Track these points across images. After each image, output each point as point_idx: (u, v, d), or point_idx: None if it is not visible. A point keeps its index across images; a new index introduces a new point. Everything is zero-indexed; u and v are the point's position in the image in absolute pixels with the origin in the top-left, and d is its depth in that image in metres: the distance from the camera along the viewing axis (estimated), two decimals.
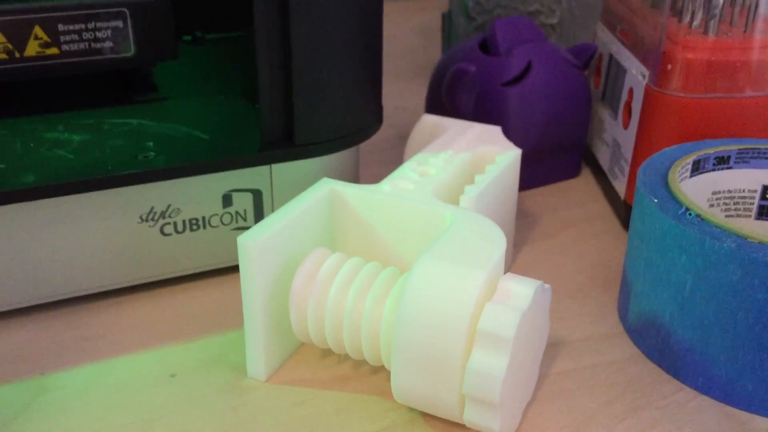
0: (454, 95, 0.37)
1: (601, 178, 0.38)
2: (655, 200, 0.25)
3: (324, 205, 0.26)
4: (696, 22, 0.31)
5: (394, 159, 0.41)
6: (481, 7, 0.50)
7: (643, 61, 0.33)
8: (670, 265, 0.24)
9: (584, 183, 0.39)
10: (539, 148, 0.37)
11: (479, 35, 0.39)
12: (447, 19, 0.51)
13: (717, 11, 0.31)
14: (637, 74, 0.33)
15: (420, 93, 0.51)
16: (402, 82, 0.54)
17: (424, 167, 0.28)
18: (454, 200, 0.27)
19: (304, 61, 0.27)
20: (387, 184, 0.26)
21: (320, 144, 0.29)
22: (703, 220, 0.24)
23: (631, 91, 0.34)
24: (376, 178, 0.38)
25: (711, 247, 0.23)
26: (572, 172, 0.39)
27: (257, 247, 0.23)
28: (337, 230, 0.26)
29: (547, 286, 0.22)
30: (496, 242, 0.22)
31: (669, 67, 0.31)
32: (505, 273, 0.30)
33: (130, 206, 0.27)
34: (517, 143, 0.36)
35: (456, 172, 0.28)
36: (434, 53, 0.59)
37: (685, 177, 0.28)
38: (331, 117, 0.29)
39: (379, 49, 0.30)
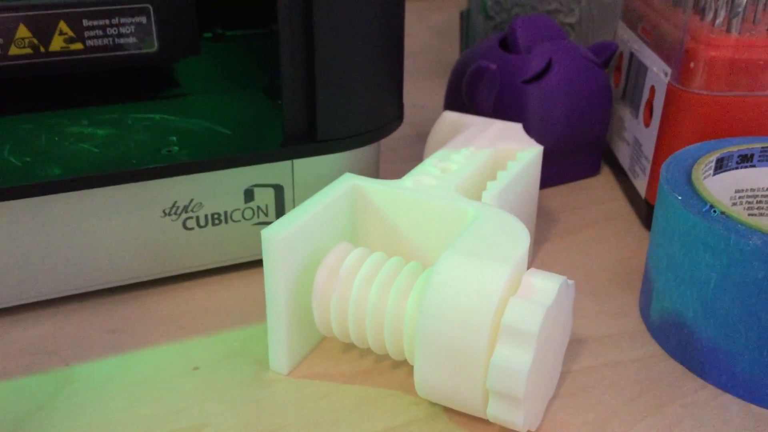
0: (474, 92, 0.37)
1: (621, 176, 0.38)
2: (679, 197, 0.25)
3: (346, 200, 0.26)
4: (719, 20, 0.31)
5: (411, 156, 0.41)
6: (499, 6, 0.50)
7: (666, 59, 0.33)
8: (694, 263, 0.24)
9: (604, 181, 0.39)
10: (559, 146, 0.37)
11: (499, 33, 0.39)
12: (465, 17, 0.51)
13: (740, 9, 0.31)
14: (659, 72, 0.33)
15: (437, 92, 0.51)
16: (419, 81, 0.54)
17: (445, 163, 0.28)
18: (476, 196, 0.27)
19: (327, 57, 0.27)
20: (409, 180, 0.26)
21: (342, 140, 0.29)
22: (727, 217, 0.24)
23: (652, 89, 0.34)
24: (394, 174, 0.38)
25: (736, 244, 0.23)
26: (592, 171, 0.39)
27: (281, 240, 0.23)
28: (359, 225, 0.27)
29: (570, 281, 0.22)
30: (519, 237, 0.22)
31: (692, 65, 0.31)
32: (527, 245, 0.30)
33: (153, 200, 0.28)
34: (537, 141, 0.36)
35: (478, 169, 0.28)
36: (451, 52, 0.59)
37: (709, 175, 0.28)
38: (353, 113, 0.29)
39: (400, 46, 0.30)
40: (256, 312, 0.28)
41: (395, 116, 0.31)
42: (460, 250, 0.22)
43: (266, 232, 0.23)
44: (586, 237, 0.33)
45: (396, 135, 0.44)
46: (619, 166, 0.38)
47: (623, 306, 0.28)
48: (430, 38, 0.63)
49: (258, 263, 0.30)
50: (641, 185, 0.35)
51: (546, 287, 0.21)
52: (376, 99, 0.29)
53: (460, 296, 0.21)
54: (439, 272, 0.21)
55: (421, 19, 0.68)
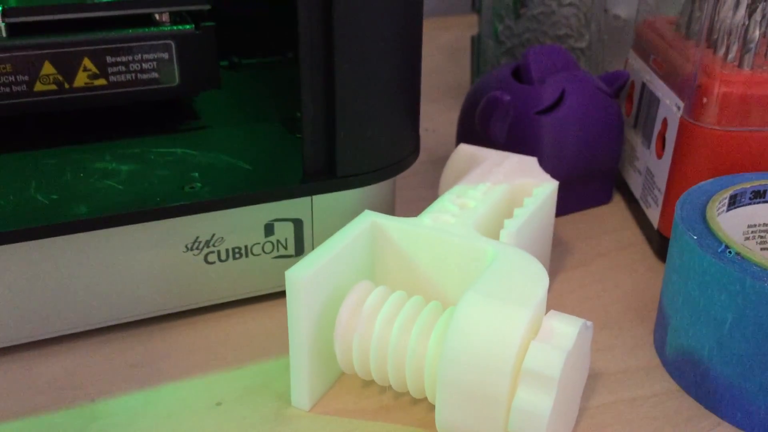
0: (487, 123, 0.37)
1: (633, 204, 0.38)
2: (695, 237, 0.25)
3: (366, 238, 0.26)
4: (731, 55, 0.32)
5: (423, 183, 0.42)
6: (510, 31, 0.50)
7: (678, 92, 0.33)
8: (709, 302, 0.24)
9: (616, 210, 0.39)
10: (572, 175, 0.37)
11: (511, 63, 0.40)
12: (476, 42, 0.52)
13: (753, 45, 0.31)
14: (671, 105, 0.34)
15: (448, 115, 0.52)
16: (430, 104, 0.54)
17: (463, 200, 0.28)
18: (494, 234, 0.27)
19: (347, 93, 0.28)
20: (427, 218, 0.27)
21: (361, 175, 0.29)
22: (743, 258, 0.24)
23: (665, 121, 0.34)
24: (407, 202, 0.39)
25: (752, 286, 0.23)
26: (604, 199, 0.40)
27: (304, 281, 0.23)
28: (378, 263, 0.27)
29: (589, 323, 0.23)
30: (539, 279, 0.23)
31: (705, 100, 0.31)
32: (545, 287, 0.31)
33: (175, 236, 0.28)
34: (550, 171, 0.36)
35: (495, 205, 0.28)
36: (462, 74, 0.59)
37: (722, 211, 0.28)
38: (372, 149, 0.29)
39: (418, 80, 0.30)
40: (277, 345, 0.28)
41: (413, 150, 0.31)
42: (481, 291, 0.22)
43: (290, 273, 0.23)
44: (600, 267, 0.34)
45: None
46: (630, 194, 0.39)
47: (638, 340, 0.29)
48: (439, 59, 0.64)
49: (278, 295, 0.31)
50: (654, 216, 0.35)
51: (566, 331, 0.21)
52: (394, 133, 0.30)
53: (482, 339, 0.21)
54: (461, 314, 0.22)
55: (431, 38, 0.69)
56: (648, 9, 0.42)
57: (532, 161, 0.32)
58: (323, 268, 0.24)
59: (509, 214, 0.28)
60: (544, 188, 0.29)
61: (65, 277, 0.27)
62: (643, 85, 0.38)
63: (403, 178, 0.42)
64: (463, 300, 0.22)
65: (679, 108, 0.33)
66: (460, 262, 0.25)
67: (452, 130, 0.49)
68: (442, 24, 0.72)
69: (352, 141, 0.29)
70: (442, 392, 0.22)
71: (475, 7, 0.51)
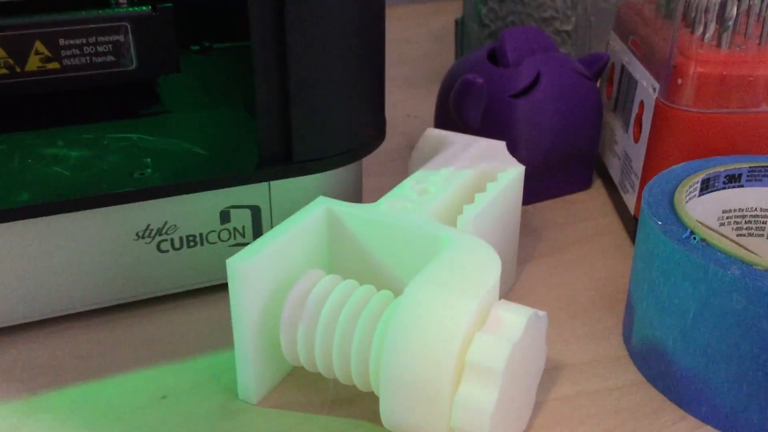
0: (461, 107, 0.36)
1: (613, 191, 0.37)
2: (659, 222, 0.24)
3: (320, 225, 0.25)
4: (709, 35, 0.30)
5: (402, 170, 0.41)
6: (494, 14, 0.49)
7: (654, 73, 0.32)
8: (673, 291, 0.23)
9: (595, 196, 0.38)
10: (549, 160, 0.36)
11: (488, 45, 0.39)
12: (460, 25, 0.51)
13: (731, 23, 0.30)
14: (647, 87, 0.32)
15: (432, 101, 0.51)
16: (415, 89, 0.53)
17: (423, 185, 0.27)
18: (453, 220, 0.26)
19: (301, 75, 0.27)
20: (385, 204, 0.26)
21: (319, 160, 0.28)
22: (708, 244, 0.23)
23: (642, 104, 0.33)
24: (382, 188, 0.37)
25: (715, 274, 0.22)
26: (584, 185, 0.39)
27: (247, 269, 0.22)
28: (333, 250, 0.26)
29: (542, 313, 0.22)
30: (490, 267, 0.22)
31: (680, 81, 0.30)
32: (508, 291, 0.29)
33: (126, 223, 0.27)
34: (526, 156, 0.35)
35: (456, 191, 0.27)
36: (449, 59, 0.58)
37: (694, 196, 0.27)
38: (330, 133, 0.28)
39: (381, 62, 0.29)
40: (229, 337, 0.27)
41: (376, 135, 0.30)
42: (427, 280, 0.21)
43: (232, 261, 0.22)
44: (573, 254, 0.33)
45: (388, 146, 0.43)
46: (610, 179, 0.38)
47: (605, 330, 0.28)
48: (429, 44, 0.63)
49: None
50: (631, 201, 0.34)
51: (514, 321, 0.20)
52: (354, 118, 0.29)
53: (426, 330, 0.20)
54: (405, 304, 0.21)
55: (421, 24, 0.68)
56: None
57: (500, 146, 0.31)
58: (269, 256, 0.23)
59: (471, 200, 0.27)
60: (509, 173, 0.28)
61: (10, 267, 0.26)
62: (623, 67, 0.37)
63: (381, 165, 0.41)
64: (408, 289, 0.21)
65: (655, 90, 0.32)
66: (414, 250, 0.24)
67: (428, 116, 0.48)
68: (432, 9, 0.71)
69: (308, 125, 0.27)
70: (385, 386, 0.21)
71: None
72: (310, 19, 0.26)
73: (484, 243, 0.23)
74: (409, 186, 0.27)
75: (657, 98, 0.31)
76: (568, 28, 0.50)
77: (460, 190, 0.27)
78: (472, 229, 0.25)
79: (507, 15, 0.49)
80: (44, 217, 0.26)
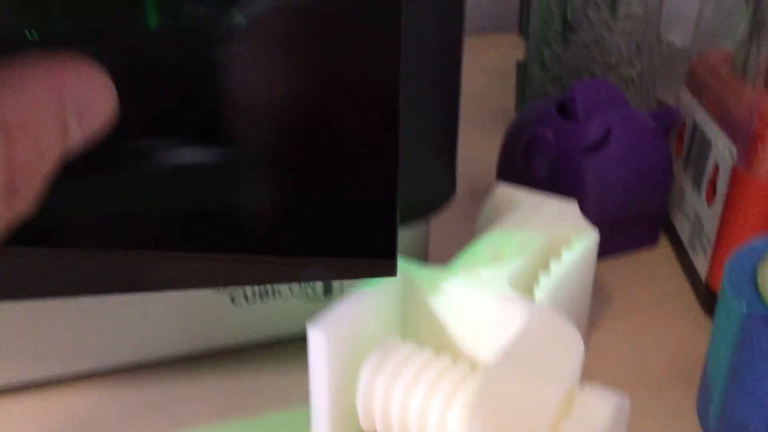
0: (529, 160, 0.36)
1: (680, 249, 0.37)
2: (743, 304, 0.24)
3: (395, 287, 0.25)
4: None
5: (460, 216, 0.40)
6: (557, 58, 0.49)
7: (732, 137, 0.31)
8: (758, 379, 0.23)
9: (661, 254, 0.37)
10: (616, 217, 0.36)
11: (556, 96, 0.38)
12: (522, 68, 0.50)
13: None
14: (723, 151, 0.32)
15: (491, 141, 0.50)
16: (471, 128, 0.53)
17: (497, 249, 0.27)
18: (529, 288, 0.26)
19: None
20: (460, 268, 0.26)
21: None
22: None
23: (716, 166, 0.33)
24: (442, 237, 0.38)
25: None
26: (649, 241, 0.38)
27: (327, 336, 0.22)
28: (407, 313, 0.26)
29: (626, 399, 0.21)
30: (574, 350, 0.21)
31: (761, 149, 0.29)
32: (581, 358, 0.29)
33: None
34: (593, 212, 0.35)
35: (531, 257, 0.27)
36: (507, 98, 0.58)
37: None
38: (404, 191, 0.28)
39: (456, 114, 0.29)
40: (300, 392, 0.27)
41: (448, 191, 0.30)
42: (509, 362, 0.21)
43: (312, 328, 0.23)
44: (642, 319, 0.32)
45: None
46: (677, 237, 0.37)
47: (679, 405, 0.27)
48: (483, 80, 0.63)
49: (305, 339, 0.30)
50: (701, 266, 0.33)
51: (600, 408, 0.20)
52: (428, 174, 0.29)
53: (508, 418, 0.20)
54: (485, 388, 0.20)
55: (474, 58, 0.67)
56: (704, 39, 0.40)
57: (572, 207, 0.30)
58: (348, 322, 0.23)
59: (546, 267, 0.27)
60: (584, 240, 0.28)
61: (87, 315, 0.27)
62: (695, 125, 0.36)
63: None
64: (488, 371, 0.21)
65: (732, 155, 0.31)
66: (491, 321, 0.24)
67: (494, 157, 0.48)
68: (488, 42, 0.71)
69: None
70: None
71: (522, 32, 0.50)
72: None
73: (567, 322, 0.23)
74: (483, 250, 0.27)
75: (735, 164, 0.31)
76: (633, 74, 0.49)
77: (535, 256, 0.27)
78: (549, 301, 0.25)
79: (571, 59, 0.49)
80: None
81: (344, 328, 0.23)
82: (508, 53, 0.66)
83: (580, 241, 0.28)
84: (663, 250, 0.38)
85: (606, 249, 0.37)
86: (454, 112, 0.29)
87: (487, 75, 0.64)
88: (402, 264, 0.26)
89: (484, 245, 0.27)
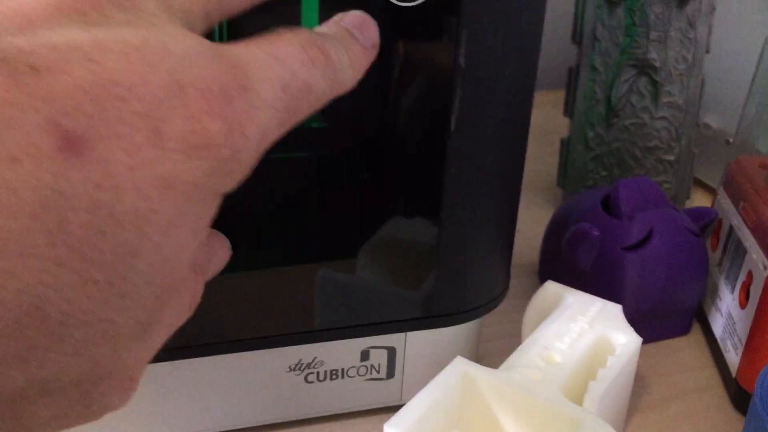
0: (574, 252, 0.39)
1: (711, 340, 0.39)
2: None
3: (457, 386, 0.29)
4: None
5: (503, 306, 0.43)
6: (600, 139, 0.52)
7: (766, 250, 0.34)
8: None
9: (694, 343, 0.40)
10: (653, 310, 0.39)
11: (602, 189, 0.41)
12: (566, 145, 0.53)
13: None
14: (758, 261, 0.35)
15: (531, 213, 0.53)
16: None
17: (549, 352, 0.30)
18: (578, 393, 0.29)
19: (451, 236, 0.30)
20: (515, 371, 0.29)
21: (456, 315, 0.31)
22: None
23: (750, 274, 0.35)
24: (486, 321, 0.40)
25: None
26: (683, 331, 0.41)
27: None
28: (465, 410, 0.29)
29: None
30: None
31: None
32: None
33: (282, 358, 0.31)
34: (632, 304, 0.38)
35: (579, 362, 0.30)
36: (549, 171, 0.60)
37: None
38: (469, 289, 0.31)
39: (515, 215, 0.33)
40: None
41: (504, 286, 0.33)
42: None
43: (388, 427, 0.26)
44: (676, 411, 0.35)
45: None
46: (709, 326, 0.40)
47: None
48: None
49: (368, 412, 0.33)
50: (732, 362, 0.36)
51: None
52: (490, 274, 0.32)
53: None
54: None
55: None
56: (745, 133, 0.42)
57: (616, 310, 0.33)
58: (419, 421, 0.26)
59: (593, 371, 0.30)
60: (628, 346, 0.31)
61: (176, 386, 0.30)
62: (731, 229, 0.39)
63: None
64: None
65: (765, 267, 0.34)
66: (545, 425, 0.27)
67: (536, 230, 0.50)
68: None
69: (449, 282, 0.31)
70: None
71: (568, 113, 0.53)
72: (467, 183, 0.29)
73: (612, 430, 0.26)
74: (535, 352, 0.30)
75: None
76: (671, 158, 0.52)
77: (583, 360, 0.30)
78: (597, 408, 0.28)
79: (612, 141, 0.52)
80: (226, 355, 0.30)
81: (415, 426, 0.26)
82: (550, 111, 0.68)
83: (624, 346, 0.31)
84: (695, 337, 0.41)
85: (642, 336, 0.39)
86: (514, 218, 0.32)
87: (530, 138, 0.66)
88: (462, 363, 0.29)
89: (535, 347, 0.30)
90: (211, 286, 0.21)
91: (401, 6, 0.25)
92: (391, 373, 0.33)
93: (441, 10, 0.26)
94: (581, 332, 0.31)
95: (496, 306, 0.33)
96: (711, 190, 0.57)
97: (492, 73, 0.28)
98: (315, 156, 0.31)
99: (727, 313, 0.37)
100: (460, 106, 0.28)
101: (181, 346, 0.28)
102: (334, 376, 0.32)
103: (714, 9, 0.49)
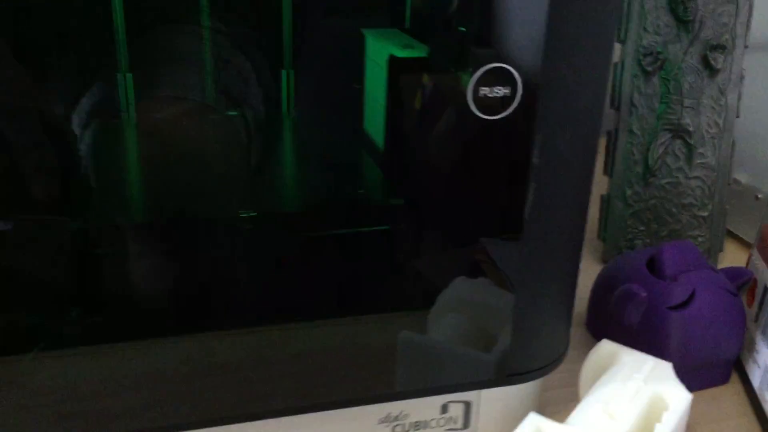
0: (623, 311, 0.43)
1: (750, 390, 0.43)
2: None
3: None
4: None
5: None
6: (638, 196, 0.56)
7: None
8: None
9: (733, 392, 0.44)
10: (696, 363, 0.42)
11: (646, 251, 0.46)
12: (606, 201, 0.58)
13: None
14: None
15: None
16: None
17: (609, 408, 0.34)
18: None
19: (526, 300, 0.34)
20: (581, 425, 0.33)
21: (527, 373, 0.36)
22: None
23: None
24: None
25: None
26: (723, 380, 0.45)
27: None
28: None
29: None
30: None
31: None
32: None
33: (373, 412, 0.35)
34: (675, 359, 0.42)
35: (637, 418, 0.34)
36: (591, 223, 0.64)
37: None
38: (538, 351, 0.36)
39: (575, 282, 0.37)
40: None
41: (567, 343, 0.38)
42: None
43: None
44: None
45: None
46: (747, 378, 0.44)
47: None
48: None
49: None
50: None
51: None
52: (557, 334, 0.36)
53: None
54: None
55: None
56: None
57: (667, 368, 0.37)
58: None
59: (649, 426, 0.34)
60: (681, 402, 0.35)
61: None
62: (765, 289, 0.43)
63: None
64: None
65: None
66: None
67: (580, 281, 0.55)
68: None
69: (523, 344, 0.35)
70: None
71: (607, 172, 0.57)
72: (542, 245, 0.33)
73: None
74: (597, 408, 0.34)
75: None
76: (705, 214, 0.56)
77: (640, 416, 0.34)
78: None
79: (649, 198, 0.56)
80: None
81: None
82: None
83: (677, 402, 0.35)
84: (734, 387, 0.44)
85: (686, 385, 0.43)
86: (575, 284, 0.37)
87: None
88: (536, 419, 0.33)
89: (597, 404, 0.35)
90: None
91: (487, 119, 0.30)
92: (466, 424, 0.37)
93: (520, 122, 0.30)
94: (637, 390, 0.35)
95: (561, 362, 0.37)
96: (742, 242, 0.60)
97: (559, 167, 0.32)
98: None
99: (765, 366, 0.41)
100: (534, 196, 0.32)
101: (307, 406, 0.33)
102: (417, 427, 0.36)
103: (743, 78, 0.54)
